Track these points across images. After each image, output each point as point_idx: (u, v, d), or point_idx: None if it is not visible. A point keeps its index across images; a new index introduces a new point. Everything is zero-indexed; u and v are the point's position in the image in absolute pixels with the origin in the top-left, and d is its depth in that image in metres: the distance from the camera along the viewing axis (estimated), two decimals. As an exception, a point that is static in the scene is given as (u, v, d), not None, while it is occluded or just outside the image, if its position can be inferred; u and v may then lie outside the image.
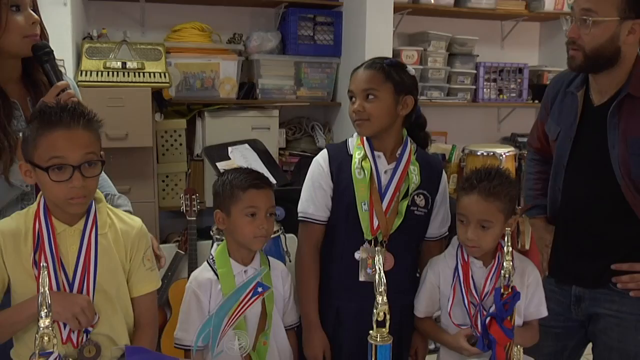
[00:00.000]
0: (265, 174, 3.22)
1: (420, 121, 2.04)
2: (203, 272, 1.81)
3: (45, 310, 1.02)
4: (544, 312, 1.85)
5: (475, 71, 4.12)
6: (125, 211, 1.70)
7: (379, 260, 1.25)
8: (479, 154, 3.56)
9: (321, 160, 1.96)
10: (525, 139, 3.17)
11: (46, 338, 1.03)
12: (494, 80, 4.14)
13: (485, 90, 4.12)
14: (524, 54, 4.40)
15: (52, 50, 1.64)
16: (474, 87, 4.12)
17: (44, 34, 1.67)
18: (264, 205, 1.76)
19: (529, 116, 4.22)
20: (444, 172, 2.02)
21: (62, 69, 1.71)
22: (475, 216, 1.75)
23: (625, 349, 1.86)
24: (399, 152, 1.91)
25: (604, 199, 1.85)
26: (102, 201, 1.59)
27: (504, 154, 3.50)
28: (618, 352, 1.87)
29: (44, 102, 1.53)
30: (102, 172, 1.60)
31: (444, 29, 4.05)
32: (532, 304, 1.84)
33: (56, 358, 1.04)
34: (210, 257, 1.82)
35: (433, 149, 4.15)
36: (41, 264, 1.14)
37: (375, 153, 1.90)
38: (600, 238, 1.87)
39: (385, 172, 1.90)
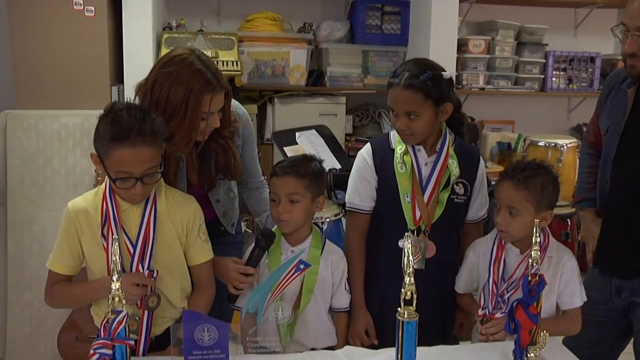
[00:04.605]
0: (331, 159, 3.40)
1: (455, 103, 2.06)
2: None
3: (117, 276, 1.22)
4: (577, 303, 1.87)
5: (544, 60, 4.09)
6: None
7: (407, 245, 1.38)
8: (540, 144, 3.56)
9: (365, 154, 2.06)
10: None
11: (117, 299, 1.23)
12: (564, 70, 4.10)
13: (554, 79, 4.10)
14: (598, 43, 4.30)
15: (269, 246, 1.89)
16: (542, 76, 4.10)
17: (229, 122, 1.97)
18: (283, 192, 1.86)
19: (600, 106, 4.15)
20: (481, 159, 2.10)
21: None
22: (504, 201, 1.84)
23: None
24: (438, 145, 2.00)
25: None
26: (161, 182, 1.77)
27: (566, 145, 3.47)
28: None
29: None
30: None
31: (513, 17, 4.05)
32: (566, 292, 1.87)
33: (124, 316, 1.24)
34: None
35: (499, 137, 4.17)
36: (112, 236, 1.34)
37: (416, 147, 1.99)
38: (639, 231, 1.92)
39: (426, 164, 1.99)
